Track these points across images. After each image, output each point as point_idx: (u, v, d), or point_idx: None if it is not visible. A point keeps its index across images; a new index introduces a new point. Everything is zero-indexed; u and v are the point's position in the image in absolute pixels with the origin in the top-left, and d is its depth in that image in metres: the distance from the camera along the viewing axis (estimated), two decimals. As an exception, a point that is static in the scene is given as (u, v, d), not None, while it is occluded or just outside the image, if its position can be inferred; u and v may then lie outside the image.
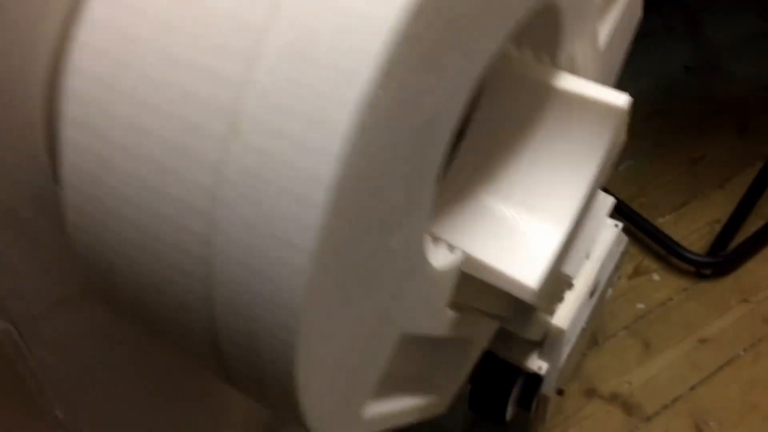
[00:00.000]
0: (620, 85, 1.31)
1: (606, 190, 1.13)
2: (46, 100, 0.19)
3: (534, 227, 0.27)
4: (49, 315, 0.24)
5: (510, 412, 0.77)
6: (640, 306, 1.01)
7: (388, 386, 0.29)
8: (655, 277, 1.04)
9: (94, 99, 0.17)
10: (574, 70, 0.29)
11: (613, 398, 0.92)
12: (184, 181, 0.16)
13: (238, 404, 0.37)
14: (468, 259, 0.26)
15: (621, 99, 0.26)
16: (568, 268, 0.33)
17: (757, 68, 1.31)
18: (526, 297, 0.26)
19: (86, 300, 0.24)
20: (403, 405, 0.28)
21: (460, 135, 0.29)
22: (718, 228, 1.06)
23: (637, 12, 0.35)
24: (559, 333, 0.68)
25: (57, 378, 0.26)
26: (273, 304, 0.16)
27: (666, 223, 1.09)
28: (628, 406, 0.92)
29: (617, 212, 0.78)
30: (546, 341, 0.70)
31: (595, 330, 0.98)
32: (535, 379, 0.72)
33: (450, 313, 0.27)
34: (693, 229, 1.09)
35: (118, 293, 0.19)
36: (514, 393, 0.74)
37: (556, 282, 0.43)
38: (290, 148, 0.15)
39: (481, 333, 0.34)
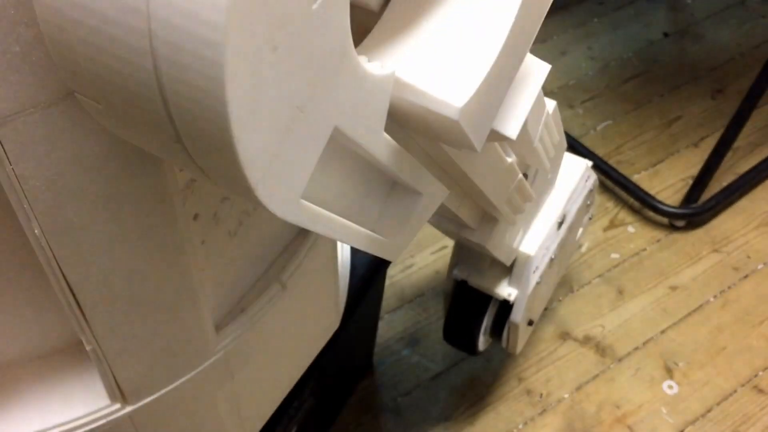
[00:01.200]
0: (602, 49, 1.33)
1: (585, 148, 1.15)
2: None
3: (461, 58, 0.29)
4: (25, 117, 0.26)
5: (483, 341, 0.80)
6: (615, 256, 1.04)
7: (340, 201, 0.32)
8: (630, 229, 1.07)
9: None
10: None
11: (587, 340, 0.95)
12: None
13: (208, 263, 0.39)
14: (398, 83, 0.29)
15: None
16: (502, 125, 0.36)
17: (732, 35, 1.34)
18: (451, 114, 0.28)
19: (60, 104, 0.27)
20: (346, 226, 0.31)
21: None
22: (691, 183, 1.09)
23: None
24: (527, 259, 0.71)
25: (33, 191, 0.29)
26: (200, 38, 0.19)
27: (641, 178, 1.12)
28: (600, 348, 0.95)
29: (595, 168, 0.80)
30: (515, 269, 0.73)
31: (569, 277, 1.01)
32: (505, 306, 0.74)
33: (387, 138, 0.30)
34: (667, 184, 1.12)
35: (80, 63, 0.22)
36: (487, 321, 0.77)
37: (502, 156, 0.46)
38: None
39: (429, 190, 0.37)
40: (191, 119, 0.21)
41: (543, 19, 0.33)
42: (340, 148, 0.30)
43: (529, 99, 0.36)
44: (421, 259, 1.03)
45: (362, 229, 0.32)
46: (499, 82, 0.31)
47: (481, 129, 0.32)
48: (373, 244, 0.34)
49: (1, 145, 0.27)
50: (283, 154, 0.23)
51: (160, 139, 0.23)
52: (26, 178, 0.28)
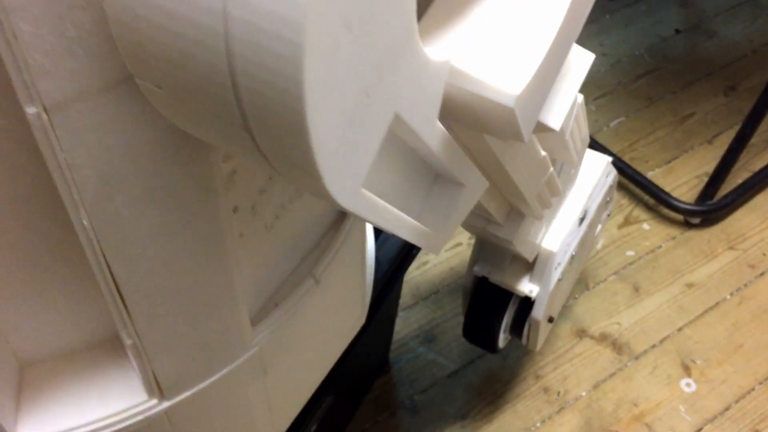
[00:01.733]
0: (613, 45, 1.33)
1: (598, 145, 1.15)
2: None
3: (515, 46, 0.29)
4: (79, 104, 0.26)
5: (503, 338, 0.79)
6: (630, 253, 1.03)
7: (387, 193, 0.31)
8: (645, 226, 1.06)
9: None
10: None
11: (603, 338, 0.95)
12: None
13: (247, 260, 0.39)
14: (452, 70, 0.28)
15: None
16: (546, 117, 0.35)
17: (744, 32, 1.33)
18: (507, 102, 0.28)
19: (115, 91, 0.26)
20: (399, 217, 0.31)
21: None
22: (706, 180, 1.09)
23: None
24: (549, 255, 0.71)
25: (83, 181, 0.28)
26: (279, 17, 0.19)
27: (656, 175, 1.12)
28: (617, 346, 0.94)
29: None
30: (537, 265, 0.72)
31: (585, 275, 1.01)
32: (527, 302, 0.74)
33: (440, 127, 0.30)
34: (682, 181, 1.11)
35: (146, 45, 0.21)
36: (507, 318, 0.77)
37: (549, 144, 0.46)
38: None
39: (472, 181, 0.36)
40: (263, 103, 0.21)
41: (591, 6, 0.33)
42: (391, 137, 0.29)
43: (572, 90, 0.36)
44: (435, 256, 1.02)
45: (413, 221, 0.32)
46: (550, 71, 0.31)
47: (531, 119, 0.32)
48: (420, 235, 0.33)
49: (54, 132, 0.26)
50: (349, 140, 0.23)
51: (224, 126, 0.23)
52: (77, 167, 0.28)
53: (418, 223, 0.33)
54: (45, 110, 0.25)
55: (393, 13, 0.22)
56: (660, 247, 1.04)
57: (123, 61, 0.25)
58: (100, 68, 0.25)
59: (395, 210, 0.29)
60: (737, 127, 1.07)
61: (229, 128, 0.23)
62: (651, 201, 1.08)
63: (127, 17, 0.21)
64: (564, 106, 0.36)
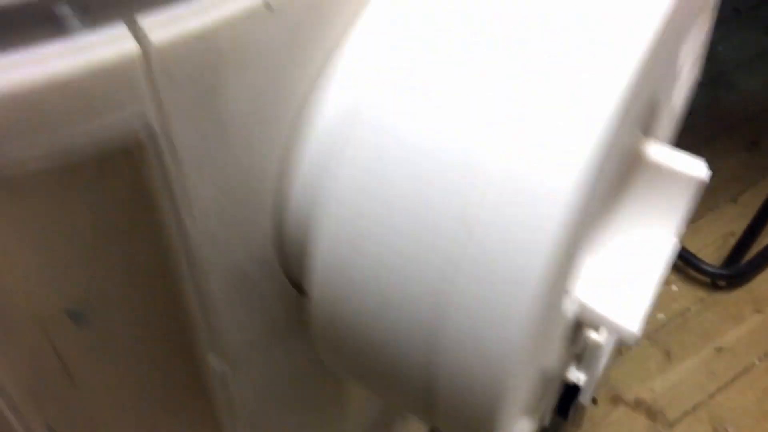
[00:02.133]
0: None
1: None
2: (276, 189, 0.24)
3: (631, 277, 0.32)
4: (253, 352, 0.29)
5: (548, 419, 0.82)
6: (661, 316, 1.06)
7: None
8: (674, 287, 1.09)
9: (348, 196, 0.22)
10: (657, 135, 0.34)
11: (638, 405, 0.98)
12: (424, 266, 0.21)
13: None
14: (581, 304, 0.31)
15: (701, 170, 0.31)
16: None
17: (765, 84, 1.36)
18: (628, 338, 0.31)
19: (287, 342, 0.29)
20: (523, 426, 0.33)
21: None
22: (732, 240, 1.12)
23: (696, 71, 0.40)
24: (597, 347, 0.74)
25: (245, 407, 0.31)
26: (489, 365, 0.21)
27: (683, 235, 1.14)
28: (651, 413, 0.97)
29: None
30: (585, 355, 0.75)
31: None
32: (574, 389, 0.77)
33: (560, 351, 0.33)
34: (708, 241, 1.14)
35: (348, 351, 0.24)
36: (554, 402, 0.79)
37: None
38: (510, 248, 0.20)
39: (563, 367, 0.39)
40: (454, 418, 0.23)
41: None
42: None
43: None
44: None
45: (527, 426, 0.34)
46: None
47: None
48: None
49: (229, 374, 0.29)
50: (515, 414, 0.26)
51: (406, 408, 0.25)
52: (243, 398, 0.30)
53: (529, 424, 0.35)
54: (223, 356, 0.28)
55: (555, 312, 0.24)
56: (689, 309, 1.07)
57: (294, 317, 0.27)
58: (275, 327, 0.28)
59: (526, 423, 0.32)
60: (760, 185, 1.10)
61: (410, 413, 0.25)
62: (678, 262, 1.11)
63: (332, 336, 0.24)
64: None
